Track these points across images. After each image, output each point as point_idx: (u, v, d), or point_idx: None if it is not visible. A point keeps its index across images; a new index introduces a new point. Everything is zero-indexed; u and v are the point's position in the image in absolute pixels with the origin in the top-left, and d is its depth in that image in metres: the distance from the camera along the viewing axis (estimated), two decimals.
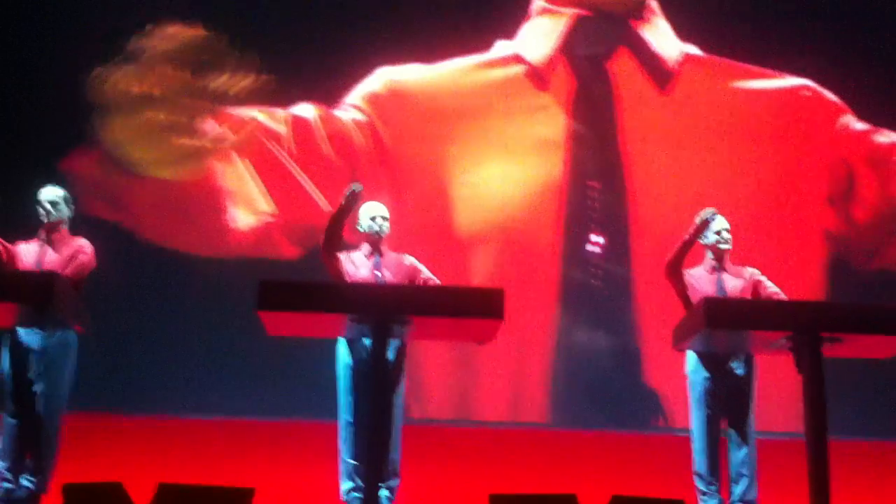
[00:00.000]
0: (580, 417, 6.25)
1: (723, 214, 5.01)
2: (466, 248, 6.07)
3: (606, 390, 6.37)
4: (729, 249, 5.05)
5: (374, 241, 4.95)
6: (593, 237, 6.53)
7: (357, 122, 6.81)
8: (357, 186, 4.70)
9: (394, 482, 4.67)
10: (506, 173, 6.74)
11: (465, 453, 5.83)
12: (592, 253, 6.58)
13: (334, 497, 4.70)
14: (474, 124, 6.84)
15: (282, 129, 6.76)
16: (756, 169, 6.94)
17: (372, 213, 4.97)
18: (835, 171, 7.08)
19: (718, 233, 5.04)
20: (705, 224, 4.94)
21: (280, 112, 6.81)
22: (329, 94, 6.88)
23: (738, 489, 4.76)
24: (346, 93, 6.87)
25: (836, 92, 7.17)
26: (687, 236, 4.95)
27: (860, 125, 7.13)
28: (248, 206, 6.61)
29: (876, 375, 5.95)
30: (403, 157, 6.75)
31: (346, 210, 4.73)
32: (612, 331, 6.59)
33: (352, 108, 6.90)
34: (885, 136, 7.10)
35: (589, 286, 6.57)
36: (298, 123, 6.79)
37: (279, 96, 6.83)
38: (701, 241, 5.04)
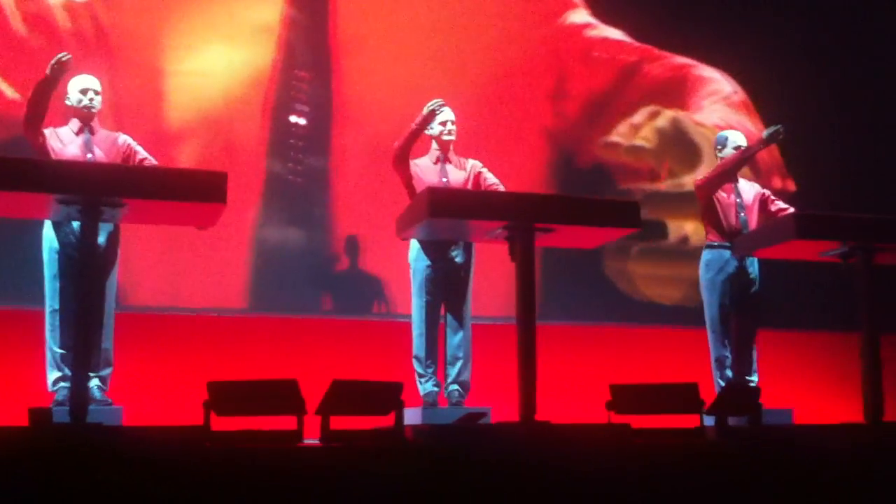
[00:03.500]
0: (281, 304, 6.15)
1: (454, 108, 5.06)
2: (175, 141, 5.68)
3: (308, 278, 6.29)
4: (453, 141, 5.15)
5: (85, 116, 4.60)
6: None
7: (68, 4, 6.06)
8: (64, 56, 4.30)
9: (106, 371, 4.48)
10: (220, 61, 6.25)
11: (181, 341, 5.67)
12: (294, 146, 6.34)
13: (41, 388, 4.43)
14: (196, 8, 6.32)
15: None
16: (478, 62, 6.84)
17: (82, 86, 4.60)
18: (551, 67, 7.16)
19: (444, 124, 5.11)
20: (432, 114, 4.99)
21: None
22: None
23: (453, 371, 4.97)
24: None
25: None
26: (414, 126, 4.98)
27: (581, 19, 7.25)
28: None
29: (582, 264, 6.35)
30: (120, 42, 6.13)
31: (51, 81, 4.34)
32: (309, 222, 6.43)
33: None
34: (597, 31, 7.23)
35: (288, 179, 6.37)
36: None
37: None
38: (427, 132, 5.10)
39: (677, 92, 7.44)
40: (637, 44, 7.37)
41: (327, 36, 6.57)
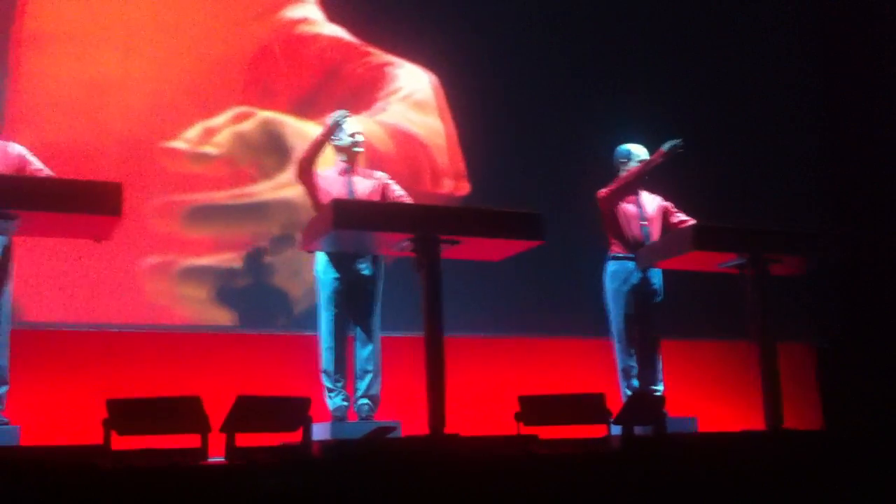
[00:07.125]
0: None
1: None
2: None
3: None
4: (362, 152, 5.13)
5: None
6: None
7: None
8: None
9: (1, 389, 4.30)
10: None
11: (82, 358, 5.49)
12: None
13: None
14: None
15: None
16: (185, 58, 6.22)
17: None
18: (261, 65, 6.55)
19: (353, 135, 5.10)
20: (336, 125, 4.97)
21: None
22: None
23: (362, 385, 4.93)
24: None
25: None
26: (320, 136, 4.95)
27: (300, 13, 6.68)
28: None
29: (486, 278, 6.34)
30: None
31: None
32: None
33: None
34: (311, 27, 6.69)
35: None
36: None
37: None
38: (335, 143, 5.07)
39: (371, 91, 6.88)
40: (348, 41, 6.81)
41: (9, 31, 5.93)
